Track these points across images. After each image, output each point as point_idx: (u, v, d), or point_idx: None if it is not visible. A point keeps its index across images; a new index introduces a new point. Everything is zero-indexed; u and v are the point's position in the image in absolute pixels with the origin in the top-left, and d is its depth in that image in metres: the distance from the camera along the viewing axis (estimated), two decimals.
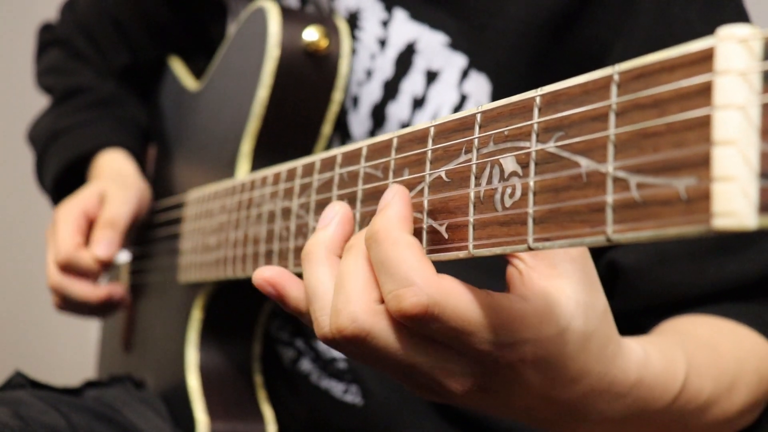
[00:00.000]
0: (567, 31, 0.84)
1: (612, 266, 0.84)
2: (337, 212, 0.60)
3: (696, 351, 0.70)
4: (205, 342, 0.99)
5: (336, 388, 0.97)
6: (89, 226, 1.11)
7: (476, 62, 0.87)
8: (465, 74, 0.87)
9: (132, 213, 1.12)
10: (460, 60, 0.88)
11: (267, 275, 0.61)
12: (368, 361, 0.58)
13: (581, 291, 0.55)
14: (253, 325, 1.01)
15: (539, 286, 0.55)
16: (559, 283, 0.55)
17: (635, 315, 0.84)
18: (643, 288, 0.82)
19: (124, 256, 1.11)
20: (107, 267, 1.09)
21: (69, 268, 1.08)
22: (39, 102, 1.37)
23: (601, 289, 0.57)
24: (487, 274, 0.70)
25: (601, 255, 0.85)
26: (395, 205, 0.55)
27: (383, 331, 0.54)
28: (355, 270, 0.55)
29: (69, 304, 1.12)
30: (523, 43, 0.85)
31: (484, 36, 0.86)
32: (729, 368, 0.73)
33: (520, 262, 0.55)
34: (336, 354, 0.96)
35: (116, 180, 1.15)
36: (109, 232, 1.08)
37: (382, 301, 0.54)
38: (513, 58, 0.85)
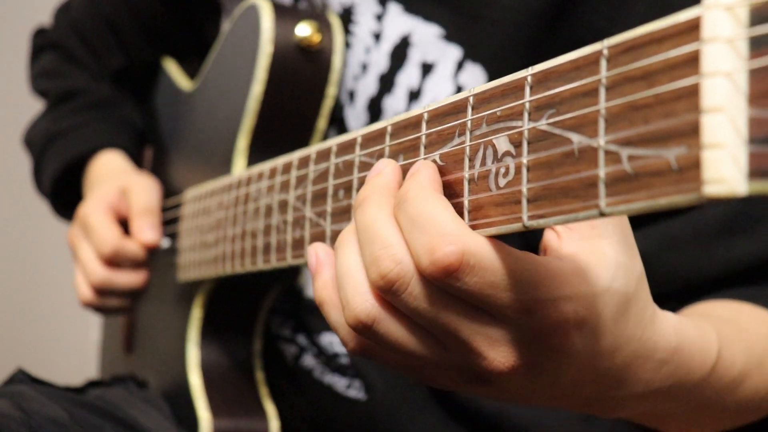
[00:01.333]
0: (561, 19, 0.84)
1: None
2: (387, 162, 0.58)
3: (722, 327, 0.68)
4: (206, 340, 1.00)
5: (339, 383, 0.97)
6: (118, 219, 1.10)
7: (471, 53, 0.87)
8: (460, 66, 0.88)
9: (160, 198, 1.12)
10: (454, 52, 0.88)
11: (320, 250, 0.60)
12: (398, 335, 0.54)
13: (621, 252, 0.54)
14: (254, 322, 1.01)
15: (578, 246, 0.53)
16: (598, 243, 0.53)
17: None
18: (652, 274, 0.81)
19: (165, 242, 1.10)
20: (153, 253, 1.09)
21: (116, 259, 1.07)
22: (35, 106, 1.38)
23: (638, 252, 0.56)
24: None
25: None
26: (425, 171, 0.53)
27: (422, 284, 0.51)
28: (381, 217, 0.54)
29: (108, 298, 1.10)
30: (517, 32, 0.85)
31: (479, 27, 0.87)
32: (757, 344, 0.71)
33: (554, 233, 0.54)
34: (339, 349, 0.97)
35: (128, 175, 1.14)
36: (149, 217, 1.07)
37: None
38: (507, 48, 0.85)
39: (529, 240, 0.83)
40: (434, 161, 0.55)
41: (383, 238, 0.52)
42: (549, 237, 0.54)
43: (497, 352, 0.52)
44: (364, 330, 0.55)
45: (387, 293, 0.53)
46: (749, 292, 0.79)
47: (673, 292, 0.81)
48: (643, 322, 0.56)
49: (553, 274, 0.51)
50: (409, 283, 0.51)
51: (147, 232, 1.07)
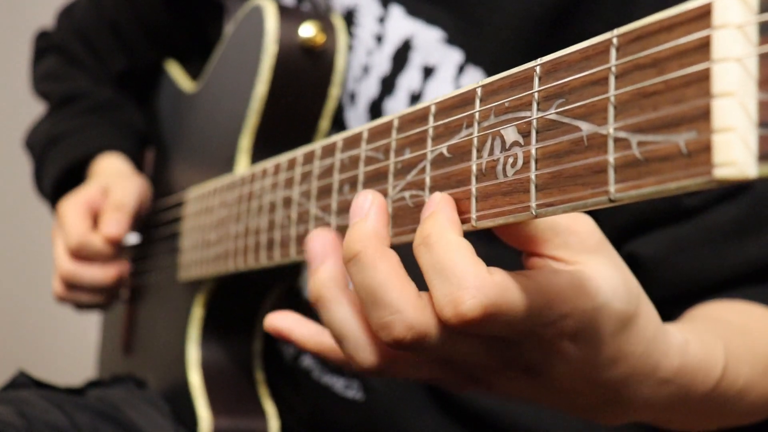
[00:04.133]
0: (563, 25, 0.84)
1: (631, 258, 0.83)
2: (372, 201, 0.56)
3: (730, 336, 0.69)
4: (206, 339, 1.00)
5: (337, 383, 0.97)
6: (94, 216, 1.12)
7: (472, 57, 0.88)
8: (461, 69, 0.88)
9: (137, 198, 1.13)
10: (456, 55, 0.88)
11: (319, 241, 0.60)
12: (419, 371, 0.57)
13: (615, 272, 0.55)
14: (254, 322, 1.01)
15: (567, 272, 0.54)
16: (591, 262, 0.54)
17: (659, 305, 0.83)
18: (664, 278, 0.82)
19: (133, 238, 1.13)
20: (117, 248, 1.11)
21: (81, 253, 1.09)
22: (36, 109, 1.38)
23: (630, 273, 0.57)
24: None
25: (619, 248, 0.84)
26: (445, 209, 0.53)
27: (439, 333, 0.52)
28: (383, 278, 0.52)
29: (76, 292, 1.13)
30: (518, 37, 0.85)
31: (480, 31, 0.87)
32: (764, 352, 0.72)
33: (541, 259, 0.55)
34: None
35: (116, 175, 1.16)
36: (116, 213, 1.10)
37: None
38: (509, 52, 0.86)
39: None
40: (441, 153, 0.55)
41: (388, 302, 0.52)
42: (535, 263, 0.56)
43: (503, 375, 0.56)
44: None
45: (397, 356, 0.55)
46: (760, 292, 0.79)
47: (683, 294, 0.81)
48: (645, 341, 0.57)
49: (554, 294, 0.52)
50: (424, 342, 0.52)
51: (110, 226, 1.09)
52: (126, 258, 1.17)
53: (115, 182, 1.14)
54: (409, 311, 0.51)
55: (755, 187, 0.80)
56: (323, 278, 0.57)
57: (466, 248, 0.51)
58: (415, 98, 0.90)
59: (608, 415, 0.63)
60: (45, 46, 1.36)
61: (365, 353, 0.55)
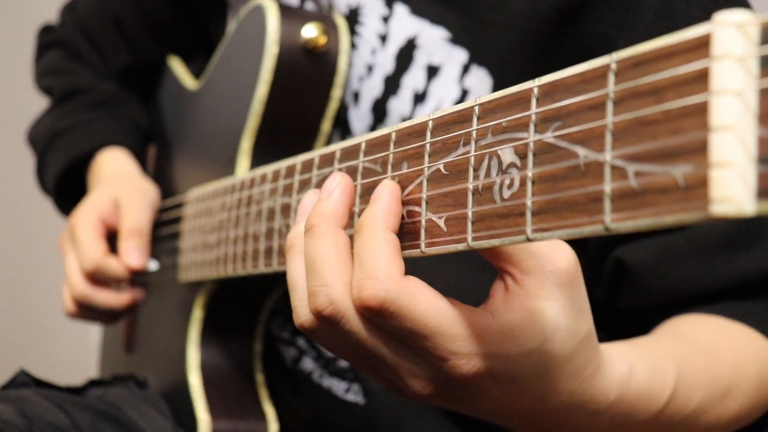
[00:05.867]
0: (569, 26, 0.84)
1: (619, 264, 0.83)
2: (338, 182, 0.60)
3: (691, 358, 0.70)
4: (206, 341, 0.99)
5: (338, 386, 0.97)
6: (108, 230, 1.10)
7: (477, 57, 0.87)
8: (466, 69, 0.87)
9: (152, 218, 1.11)
10: (460, 55, 0.87)
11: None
12: (338, 348, 0.60)
13: (564, 316, 0.56)
14: (254, 324, 1.00)
15: (520, 304, 0.55)
16: (542, 305, 0.55)
17: (643, 312, 0.84)
18: (650, 286, 0.82)
19: (153, 264, 1.10)
20: (137, 276, 1.09)
21: (96, 276, 1.07)
22: (39, 104, 1.37)
23: (587, 314, 0.58)
24: (482, 270, 0.69)
25: (608, 253, 0.84)
26: (383, 200, 0.57)
27: (356, 317, 0.56)
28: (324, 252, 0.57)
29: (87, 313, 1.11)
30: (524, 37, 0.85)
31: (485, 30, 0.86)
32: (725, 375, 0.73)
33: (509, 277, 0.56)
34: None
35: (125, 183, 1.14)
36: (137, 240, 1.07)
37: None
38: (514, 52, 0.85)
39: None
40: (439, 170, 0.54)
41: (322, 275, 0.57)
42: (496, 287, 0.57)
43: (416, 382, 0.57)
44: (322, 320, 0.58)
45: (321, 323, 0.58)
46: (740, 308, 0.79)
47: (667, 303, 0.82)
48: (579, 378, 0.59)
49: (474, 330, 0.54)
50: (340, 321, 0.56)
51: (132, 255, 1.06)
52: (141, 284, 1.15)
53: (126, 194, 1.11)
54: (335, 287, 0.56)
55: None
56: (325, 209, 0.60)
57: (389, 244, 0.55)
58: (419, 98, 0.90)
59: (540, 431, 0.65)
60: (48, 40, 1.35)
61: (302, 309, 0.60)
